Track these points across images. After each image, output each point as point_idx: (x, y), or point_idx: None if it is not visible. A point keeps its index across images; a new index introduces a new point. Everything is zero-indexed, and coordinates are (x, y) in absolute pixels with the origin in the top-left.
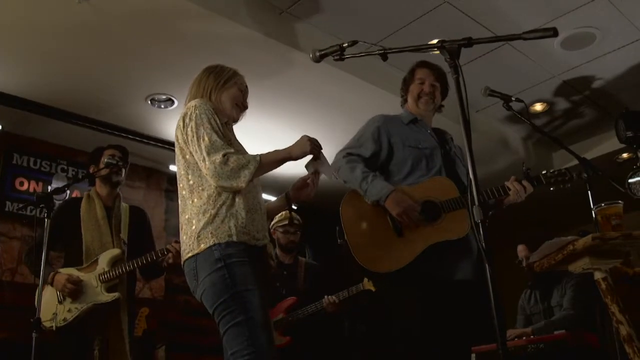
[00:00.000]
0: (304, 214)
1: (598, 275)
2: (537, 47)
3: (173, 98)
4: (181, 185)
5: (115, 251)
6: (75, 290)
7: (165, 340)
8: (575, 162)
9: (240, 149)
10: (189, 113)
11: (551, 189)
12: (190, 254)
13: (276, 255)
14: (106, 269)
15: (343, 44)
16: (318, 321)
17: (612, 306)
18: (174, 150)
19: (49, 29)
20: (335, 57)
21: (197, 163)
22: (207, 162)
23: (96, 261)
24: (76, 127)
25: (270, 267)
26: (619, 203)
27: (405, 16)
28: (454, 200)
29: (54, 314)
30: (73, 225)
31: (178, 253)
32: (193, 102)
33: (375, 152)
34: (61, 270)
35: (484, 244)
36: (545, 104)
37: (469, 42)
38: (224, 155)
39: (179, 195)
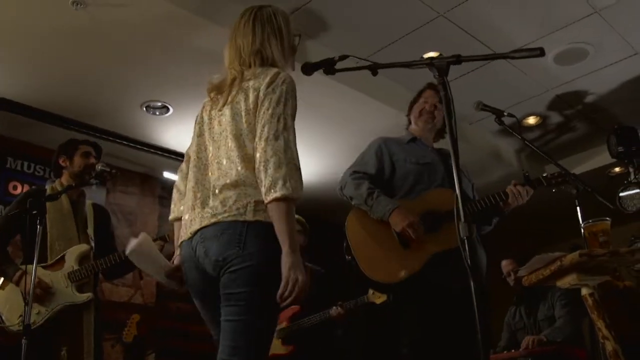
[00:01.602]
0: None
1: (585, 291)
2: (531, 62)
3: (168, 105)
4: (235, 149)
5: (84, 247)
6: (43, 295)
7: (156, 347)
8: None
9: None
10: (277, 82)
11: (553, 190)
12: (237, 218)
13: None
14: (75, 267)
15: (334, 57)
16: (320, 330)
17: (598, 322)
18: (168, 157)
19: (45, 34)
20: (326, 71)
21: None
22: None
23: (63, 258)
24: (71, 132)
25: None
26: (607, 220)
27: (401, 28)
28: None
29: (20, 316)
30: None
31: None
32: (284, 75)
33: (379, 170)
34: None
35: (469, 260)
36: (538, 118)
37: (458, 60)
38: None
39: (219, 158)
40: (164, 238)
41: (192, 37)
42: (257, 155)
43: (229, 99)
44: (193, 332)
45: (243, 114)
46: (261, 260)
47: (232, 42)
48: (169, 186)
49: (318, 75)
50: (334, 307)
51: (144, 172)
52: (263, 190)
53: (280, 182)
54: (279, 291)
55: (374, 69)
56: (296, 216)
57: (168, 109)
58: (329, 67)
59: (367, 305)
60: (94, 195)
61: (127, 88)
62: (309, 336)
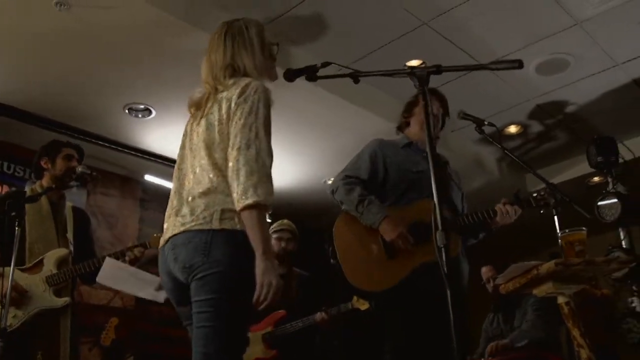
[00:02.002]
0: None
1: (561, 300)
2: (513, 71)
3: (151, 108)
4: (199, 156)
5: (63, 251)
6: (19, 298)
7: (135, 351)
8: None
9: None
10: (249, 92)
11: (541, 211)
12: (202, 227)
13: None
14: (54, 271)
15: (316, 65)
16: (304, 336)
17: (573, 330)
18: (150, 160)
19: (29, 35)
20: (308, 77)
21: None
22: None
23: (41, 261)
24: (52, 133)
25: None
26: (583, 230)
27: (384, 36)
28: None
29: None
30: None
31: (135, 259)
32: (255, 84)
33: (372, 175)
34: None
35: (445, 268)
36: (519, 127)
37: (438, 70)
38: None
39: (186, 164)
40: (144, 245)
41: (175, 41)
42: (230, 164)
43: (205, 111)
44: (173, 336)
45: (216, 124)
46: (227, 267)
47: (207, 58)
48: (150, 189)
49: (301, 81)
50: (319, 313)
51: (125, 175)
52: (235, 197)
53: (251, 190)
54: (255, 295)
55: (355, 77)
56: (286, 222)
57: (151, 112)
58: (311, 74)
59: (352, 311)
60: (74, 197)
61: (110, 90)
62: (292, 341)
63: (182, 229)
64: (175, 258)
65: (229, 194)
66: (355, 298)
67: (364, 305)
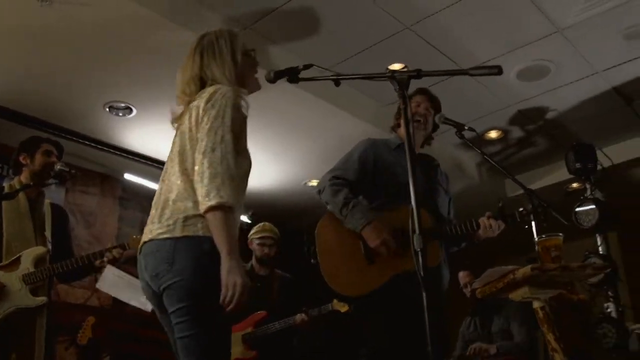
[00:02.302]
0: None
1: (536, 305)
2: (494, 77)
3: (132, 107)
4: (174, 164)
5: (40, 249)
6: None
7: (111, 350)
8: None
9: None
10: (216, 97)
11: (525, 227)
12: (166, 235)
13: (252, 266)
14: (31, 269)
15: (298, 66)
16: (284, 337)
17: (548, 335)
18: (130, 159)
19: (9, 30)
20: (290, 79)
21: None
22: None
23: (18, 259)
24: (31, 130)
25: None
26: (559, 235)
27: (367, 39)
28: (425, 231)
29: None
30: None
31: (114, 260)
32: (224, 90)
33: (360, 176)
34: None
35: (422, 272)
36: (500, 132)
37: (419, 75)
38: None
39: (166, 174)
40: (123, 246)
41: (158, 39)
42: (196, 168)
43: (181, 122)
44: (150, 336)
45: (187, 131)
46: (190, 275)
47: (178, 73)
48: (130, 188)
49: (282, 83)
50: (298, 314)
51: (105, 173)
52: (199, 200)
53: (214, 192)
54: (221, 297)
55: (336, 80)
56: (268, 227)
57: (131, 110)
58: (292, 75)
59: (332, 313)
60: (53, 194)
61: (91, 88)
62: (272, 342)
63: (150, 236)
64: (145, 266)
65: (194, 200)
66: (335, 300)
67: (344, 308)
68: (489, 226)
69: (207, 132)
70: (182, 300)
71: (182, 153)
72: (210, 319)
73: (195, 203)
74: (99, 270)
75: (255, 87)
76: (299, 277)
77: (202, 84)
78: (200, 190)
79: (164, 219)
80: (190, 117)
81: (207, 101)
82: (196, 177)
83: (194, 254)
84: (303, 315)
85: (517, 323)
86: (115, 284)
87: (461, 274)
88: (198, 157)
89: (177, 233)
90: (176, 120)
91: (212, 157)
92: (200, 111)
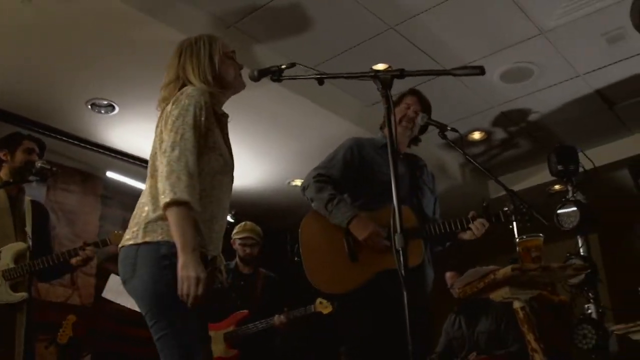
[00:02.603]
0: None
1: (517, 305)
2: (478, 78)
3: (114, 104)
4: (149, 171)
5: (20, 245)
6: None
7: (92, 349)
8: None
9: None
10: (181, 98)
11: (510, 227)
12: (131, 242)
13: (236, 265)
14: (11, 265)
15: (281, 65)
16: (264, 337)
17: (528, 335)
18: (112, 157)
19: None
20: (273, 78)
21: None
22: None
23: None
24: (12, 126)
25: (215, 281)
26: (540, 236)
27: (351, 39)
28: (409, 230)
29: None
30: None
31: (87, 259)
32: (190, 90)
33: (345, 174)
34: None
35: (403, 271)
36: (483, 133)
37: (402, 74)
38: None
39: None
40: (104, 242)
41: (140, 36)
42: (159, 169)
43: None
44: (132, 335)
45: (158, 134)
46: (149, 281)
47: (164, 79)
48: (112, 186)
49: (266, 81)
50: (277, 316)
51: (87, 171)
52: (160, 198)
53: (168, 189)
54: (178, 291)
55: (320, 79)
56: (249, 226)
57: (114, 108)
58: (276, 74)
59: (313, 315)
60: (34, 192)
61: (73, 85)
62: (254, 342)
63: (122, 244)
64: (119, 271)
65: (154, 204)
66: (318, 301)
67: (326, 309)
68: (475, 227)
69: (169, 132)
70: (147, 305)
71: (153, 157)
72: (176, 322)
73: (155, 207)
74: (75, 269)
75: (239, 87)
76: (283, 276)
77: (180, 86)
78: (160, 189)
79: (131, 225)
80: (161, 121)
81: (174, 103)
82: (158, 178)
83: (152, 259)
84: (281, 317)
85: (513, 332)
86: (119, 292)
87: (448, 275)
88: (160, 158)
89: (139, 239)
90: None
91: (171, 156)
92: (168, 114)
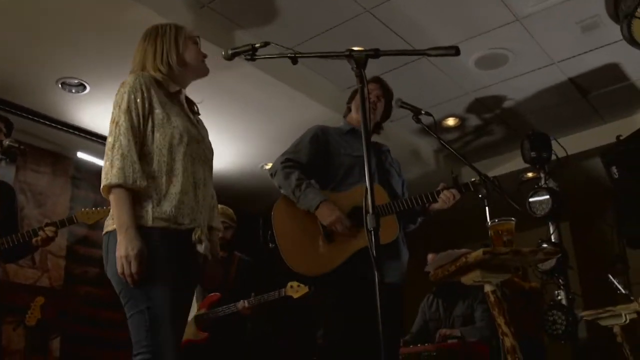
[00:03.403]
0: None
1: (488, 288)
2: (453, 64)
3: (85, 83)
4: None
5: None
6: None
7: (61, 331)
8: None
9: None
10: (119, 88)
11: (479, 196)
12: (105, 230)
13: None
14: None
15: (255, 44)
16: (233, 320)
17: (498, 318)
18: (83, 137)
19: None
20: (247, 57)
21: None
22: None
23: None
24: None
25: (198, 253)
26: (512, 220)
27: (327, 21)
28: (382, 206)
29: None
30: None
31: (48, 239)
32: (128, 79)
33: (311, 159)
34: None
35: (374, 251)
36: (457, 119)
37: (376, 54)
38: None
39: None
40: (71, 220)
41: (113, 15)
42: None
43: None
44: (102, 317)
45: None
46: (114, 265)
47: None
48: (83, 167)
49: (242, 63)
50: (241, 301)
51: (57, 151)
52: None
53: (103, 176)
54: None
55: (293, 58)
56: (221, 209)
57: (85, 87)
58: (249, 53)
59: (285, 298)
60: (2, 171)
61: (43, 63)
62: (224, 325)
63: (103, 232)
64: None
65: None
66: (289, 285)
67: (297, 293)
68: (445, 197)
69: (110, 124)
70: (118, 287)
71: None
72: (143, 300)
73: None
74: (36, 248)
75: (202, 71)
76: (256, 260)
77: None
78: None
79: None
80: None
81: (116, 95)
82: None
83: (115, 244)
84: (245, 302)
85: (482, 308)
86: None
87: (430, 256)
88: None
89: (109, 227)
90: None
91: (107, 145)
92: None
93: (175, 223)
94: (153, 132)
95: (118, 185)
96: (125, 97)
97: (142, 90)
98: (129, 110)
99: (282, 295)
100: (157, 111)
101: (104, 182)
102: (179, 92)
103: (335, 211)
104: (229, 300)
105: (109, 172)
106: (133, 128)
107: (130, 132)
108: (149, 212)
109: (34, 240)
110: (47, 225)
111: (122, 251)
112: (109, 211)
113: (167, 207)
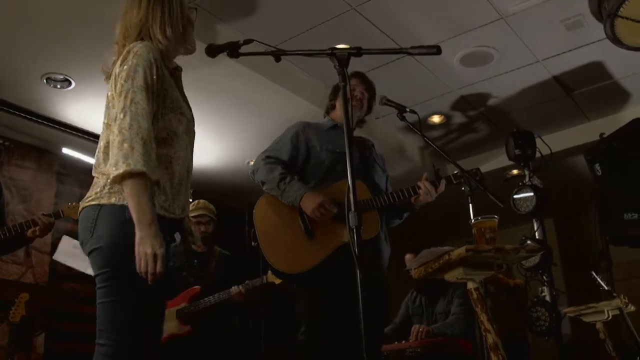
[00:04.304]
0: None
1: (470, 285)
2: (438, 62)
3: (70, 79)
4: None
5: None
6: None
7: (46, 328)
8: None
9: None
10: (129, 58)
11: (462, 188)
12: (93, 202)
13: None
14: None
15: (238, 41)
16: (216, 313)
17: (481, 315)
18: (67, 133)
19: None
20: (230, 54)
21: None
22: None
23: None
24: None
25: (188, 242)
26: (495, 218)
27: (312, 19)
28: (363, 201)
29: None
30: None
31: (45, 227)
32: (136, 48)
33: (293, 156)
34: None
35: (356, 249)
36: (442, 117)
37: (359, 52)
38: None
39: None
40: (57, 214)
41: (99, 10)
42: (110, 137)
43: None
44: (86, 313)
45: (110, 99)
46: (107, 242)
47: (122, 16)
48: (67, 162)
49: (226, 59)
50: (234, 287)
51: (42, 147)
52: (109, 169)
53: (121, 159)
54: (137, 268)
55: (277, 55)
56: (202, 204)
57: (70, 83)
58: (233, 50)
59: (267, 285)
60: None
61: (27, 58)
62: (207, 318)
63: (82, 205)
64: (78, 234)
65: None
66: (269, 272)
67: (278, 279)
68: (426, 190)
69: (118, 97)
70: (101, 267)
71: (108, 126)
72: (127, 289)
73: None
74: (31, 240)
75: (192, 48)
76: (241, 257)
77: (141, 35)
78: (111, 159)
79: (93, 188)
80: (112, 83)
81: (121, 63)
82: (110, 147)
83: (114, 221)
84: (239, 287)
85: (457, 303)
86: (71, 254)
87: (408, 256)
88: (112, 124)
89: (104, 200)
90: (107, 79)
91: (122, 123)
92: (116, 75)
93: (169, 212)
94: (161, 115)
95: (141, 173)
96: (140, 71)
97: (157, 65)
98: (146, 87)
99: (265, 282)
100: (168, 93)
101: (124, 167)
102: (178, 69)
103: (318, 197)
104: (208, 293)
105: (130, 156)
106: (148, 110)
107: (149, 114)
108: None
109: (30, 231)
110: (43, 214)
111: (149, 248)
112: None
113: (165, 196)
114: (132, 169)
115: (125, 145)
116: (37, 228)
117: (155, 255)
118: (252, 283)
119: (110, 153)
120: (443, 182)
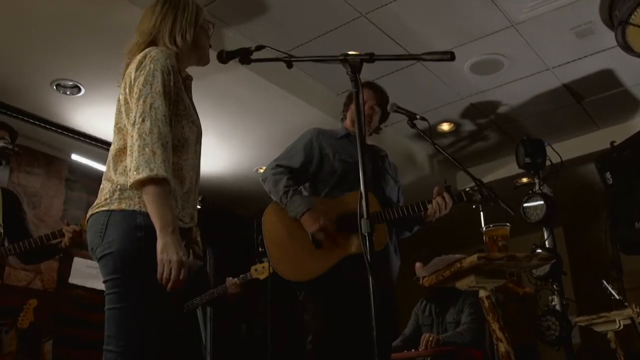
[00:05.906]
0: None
1: (482, 294)
2: (448, 69)
3: (80, 85)
4: (115, 139)
5: None
6: None
7: (54, 334)
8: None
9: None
10: (145, 62)
11: (473, 206)
12: (103, 208)
13: None
14: None
15: (250, 47)
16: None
17: (493, 324)
18: (77, 139)
19: None
20: (241, 60)
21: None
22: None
23: None
24: None
25: (194, 252)
26: (507, 225)
27: (322, 26)
28: (373, 214)
29: None
30: None
31: (77, 233)
32: (154, 53)
33: (305, 163)
34: None
35: (369, 256)
36: (452, 124)
37: (371, 58)
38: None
39: (111, 151)
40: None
41: (108, 17)
42: (128, 142)
43: (120, 90)
44: (94, 320)
45: (122, 103)
46: (119, 248)
47: (137, 27)
48: (77, 169)
49: (236, 66)
50: (230, 278)
51: (51, 153)
52: (129, 174)
53: (143, 165)
54: (158, 275)
55: (288, 61)
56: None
57: (80, 89)
58: (244, 56)
59: (252, 281)
60: None
61: (38, 64)
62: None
63: (90, 212)
64: (88, 243)
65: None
66: (253, 268)
67: (262, 275)
68: (437, 205)
69: (136, 102)
70: (111, 273)
71: (120, 130)
72: (136, 295)
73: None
74: (64, 250)
75: (205, 60)
76: (249, 262)
77: (153, 42)
78: (130, 164)
79: (102, 193)
80: (125, 86)
81: (137, 67)
82: (128, 151)
83: (125, 227)
84: (235, 279)
85: (468, 312)
86: (86, 275)
87: (418, 265)
88: (129, 129)
89: (114, 206)
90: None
91: (142, 128)
92: (132, 80)
93: (180, 220)
94: (175, 122)
95: (163, 179)
96: (159, 76)
97: (174, 72)
98: (164, 93)
99: (249, 278)
100: (181, 99)
101: (147, 172)
102: (189, 78)
103: (318, 220)
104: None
105: (151, 162)
106: (167, 116)
107: (167, 120)
108: None
109: (62, 242)
110: (68, 224)
111: (174, 255)
112: None
113: (175, 204)
114: (157, 174)
115: (147, 149)
116: (66, 239)
117: (181, 262)
118: (242, 278)
119: (129, 157)
120: (450, 199)
